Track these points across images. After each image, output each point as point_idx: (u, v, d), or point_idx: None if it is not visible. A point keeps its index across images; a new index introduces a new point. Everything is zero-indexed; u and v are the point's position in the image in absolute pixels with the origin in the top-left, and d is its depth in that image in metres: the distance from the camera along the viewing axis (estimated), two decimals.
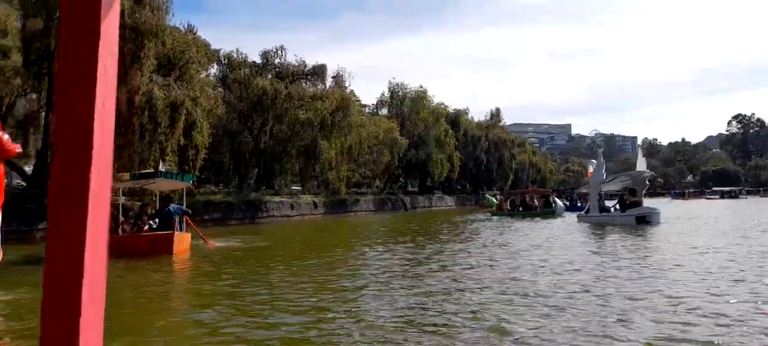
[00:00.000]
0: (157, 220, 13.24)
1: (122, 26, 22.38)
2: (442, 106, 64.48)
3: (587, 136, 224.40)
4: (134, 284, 9.71)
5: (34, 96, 28.49)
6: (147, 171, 15.30)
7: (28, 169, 28.80)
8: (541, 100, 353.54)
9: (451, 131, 62.84)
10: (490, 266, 10.81)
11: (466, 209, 52.81)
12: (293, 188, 44.73)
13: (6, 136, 8.94)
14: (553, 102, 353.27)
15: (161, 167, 14.77)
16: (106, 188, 0.79)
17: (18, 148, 9.26)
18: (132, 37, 25.24)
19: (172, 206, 13.65)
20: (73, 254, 0.75)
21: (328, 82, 44.52)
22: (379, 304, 7.15)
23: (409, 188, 65.13)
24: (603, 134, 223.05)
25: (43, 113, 27.53)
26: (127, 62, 25.10)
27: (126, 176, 15.19)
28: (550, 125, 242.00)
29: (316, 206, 41.06)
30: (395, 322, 6.15)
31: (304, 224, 32.28)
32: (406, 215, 42.59)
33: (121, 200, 23.48)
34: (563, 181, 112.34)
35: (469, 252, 13.44)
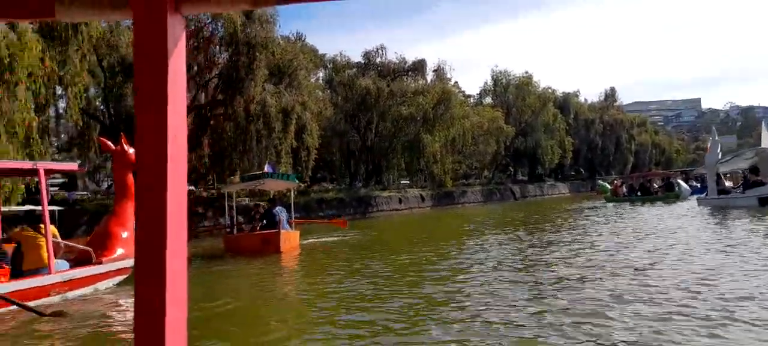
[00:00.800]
0: (265, 220, 14.28)
1: (236, 42, 24.35)
2: (550, 90, 62.03)
3: (721, 110, 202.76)
4: (241, 279, 10.63)
5: None
6: (256, 173, 16.56)
7: None
8: (664, 74, 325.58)
9: (560, 116, 60.32)
10: (591, 259, 10.55)
11: (580, 196, 50.47)
12: (402, 182, 45.68)
13: (132, 150, 10.35)
14: (678, 75, 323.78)
15: (266, 168, 15.94)
16: (183, 204, 0.87)
17: None
18: (245, 50, 27.46)
19: (278, 207, 14.58)
20: (156, 265, 0.84)
21: (430, 76, 44.93)
22: (493, 300, 7.01)
23: (519, 177, 63.55)
24: (739, 107, 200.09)
25: None
26: (242, 74, 27.36)
27: (236, 178, 16.52)
28: (675, 101, 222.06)
29: (423, 199, 41.64)
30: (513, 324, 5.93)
31: (412, 217, 32.96)
32: (515, 205, 41.75)
33: (245, 201, 25.67)
34: (694, 161, 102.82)
35: (572, 242, 13.10)
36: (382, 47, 44.09)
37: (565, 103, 64.72)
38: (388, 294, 7.76)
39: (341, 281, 9.38)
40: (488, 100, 59.02)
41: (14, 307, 7.05)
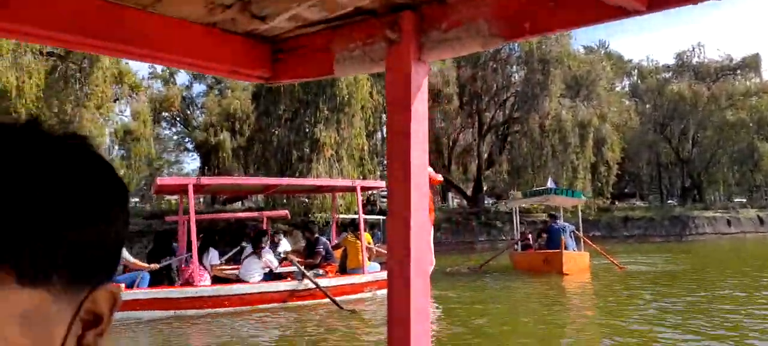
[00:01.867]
0: (547, 236, 13.75)
1: (531, 60, 24.90)
2: None
3: None
4: (516, 298, 10.46)
5: (469, 131, 34.42)
6: (538, 189, 16.22)
7: (468, 191, 34.64)
8: None
9: None
10: None
11: None
12: (736, 199, 38.53)
13: (429, 170, 11.64)
14: None
15: (549, 184, 15.48)
16: (424, 224, 0.95)
17: (440, 177, 11.79)
18: (539, 67, 27.71)
19: (563, 225, 13.64)
20: (402, 273, 0.92)
21: (766, 73, 37.02)
22: None
23: None
24: None
25: (476, 145, 32.89)
26: (537, 91, 27.66)
27: (518, 194, 16.52)
28: None
29: (761, 221, 34.34)
30: None
31: (745, 244, 27.24)
32: None
33: (543, 216, 25.66)
34: None
35: None
36: (699, 45, 38.59)
37: None
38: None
39: (627, 317, 8.08)
40: None
41: (326, 300, 8.86)
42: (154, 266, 8.85)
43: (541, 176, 27.31)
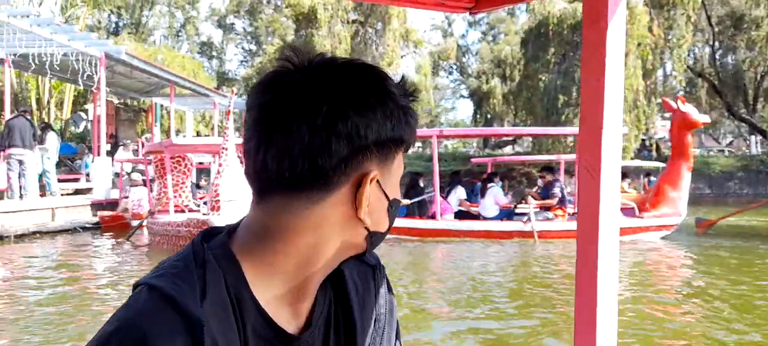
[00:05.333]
0: None
1: None
2: None
3: None
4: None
5: None
6: None
7: None
8: None
9: None
10: None
11: None
12: None
13: (688, 110, 10.21)
14: None
15: None
16: (615, 154, 0.88)
17: (704, 119, 10.37)
18: None
19: None
20: (592, 219, 0.87)
21: None
22: None
23: None
24: None
25: None
26: None
27: None
28: None
29: None
30: None
31: None
32: None
33: None
34: None
35: None
36: None
37: None
38: None
39: None
40: None
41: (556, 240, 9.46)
42: (406, 201, 10.93)
43: None
